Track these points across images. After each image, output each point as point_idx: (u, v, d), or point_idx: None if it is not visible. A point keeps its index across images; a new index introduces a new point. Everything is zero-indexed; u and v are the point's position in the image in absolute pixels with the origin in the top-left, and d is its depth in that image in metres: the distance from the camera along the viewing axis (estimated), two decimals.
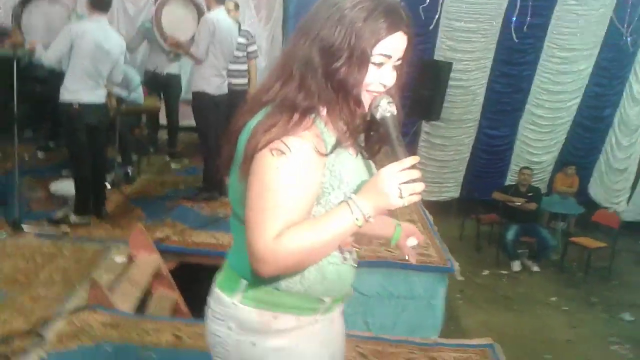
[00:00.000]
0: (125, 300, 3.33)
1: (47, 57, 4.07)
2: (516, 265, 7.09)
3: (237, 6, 5.74)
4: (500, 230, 7.51)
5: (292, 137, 1.18)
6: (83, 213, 4.33)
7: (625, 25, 7.42)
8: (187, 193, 5.26)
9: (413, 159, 1.19)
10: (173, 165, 6.32)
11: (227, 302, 1.34)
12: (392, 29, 1.21)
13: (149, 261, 3.82)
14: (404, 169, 1.18)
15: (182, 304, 3.91)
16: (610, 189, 8.74)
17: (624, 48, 7.85)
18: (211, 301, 1.39)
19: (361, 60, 1.20)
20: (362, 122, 1.34)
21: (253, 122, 1.24)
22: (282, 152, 1.16)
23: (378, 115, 1.27)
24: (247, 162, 1.20)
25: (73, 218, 4.30)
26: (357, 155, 1.34)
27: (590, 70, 8.26)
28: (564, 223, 8.14)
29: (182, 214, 4.74)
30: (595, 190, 8.84)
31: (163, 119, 6.70)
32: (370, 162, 1.39)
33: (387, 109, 1.26)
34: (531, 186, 7.54)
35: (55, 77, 4.29)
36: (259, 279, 1.25)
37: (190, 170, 6.20)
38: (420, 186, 1.18)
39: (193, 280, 4.31)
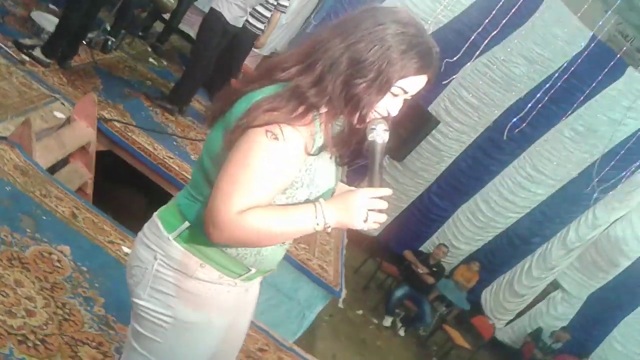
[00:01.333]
0: (44, 155, 3.27)
1: None
2: (387, 321, 7.35)
3: None
4: (393, 284, 7.78)
5: (290, 127, 1.22)
6: (49, 54, 4.21)
7: (596, 180, 7.79)
8: (150, 91, 5.17)
9: (386, 191, 1.29)
10: (151, 59, 6.20)
11: (162, 235, 1.39)
12: (421, 71, 1.29)
13: (84, 131, 3.75)
14: (375, 197, 1.27)
15: (90, 186, 3.87)
16: (499, 304, 9.18)
17: (583, 198, 8.24)
18: (147, 228, 1.44)
19: (383, 86, 1.27)
20: (353, 134, 1.38)
21: (257, 95, 1.27)
22: (276, 138, 1.21)
23: (370, 137, 1.33)
24: (239, 130, 1.24)
25: (37, 53, 4.16)
26: (331, 158, 1.40)
27: (544, 198, 8.62)
28: (446, 309, 8.48)
29: (136, 107, 4.67)
30: (487, 297, 9.26)
31: (167, 15, 6.57)
32: (339, 168, 1.47)
33: (381, 135, 1.33)
34: (439, 263, 7.83)
35: None
36: (201, 228, 1.30)
37: (164, 73, 6.11)
38: (383, 217, 1.28)
39: (111, 172, 4.29)
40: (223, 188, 1.23)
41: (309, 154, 1.28)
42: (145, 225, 1.45)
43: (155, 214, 1.45)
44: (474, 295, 8.93)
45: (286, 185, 1.29)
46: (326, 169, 1.36)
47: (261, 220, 1.22)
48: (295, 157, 1.25)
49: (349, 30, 1.26)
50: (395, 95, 1.31)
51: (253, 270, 1.43)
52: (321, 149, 1.31)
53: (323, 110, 1.30)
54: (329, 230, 1.28)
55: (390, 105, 1.33)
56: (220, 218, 1.22)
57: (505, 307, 9.16)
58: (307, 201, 1.31)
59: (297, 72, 1.27)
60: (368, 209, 1.27)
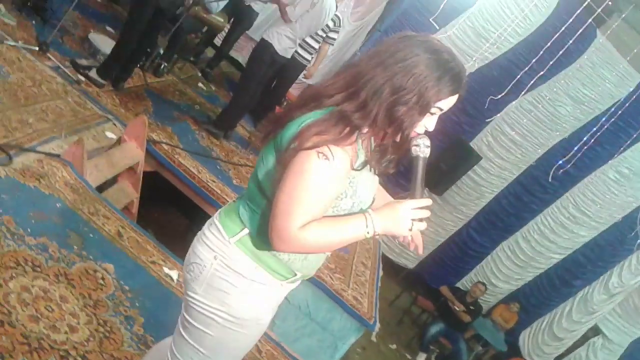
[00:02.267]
0: (94, 173, 3.38)
1: None
2: (422, 358, 7.21)
3: None
4: (428, 319, 7.64)
5: (337, 147, 1.35)
6: (104, 75, 4.37)
7: None
8: (198, 116, 5.30)
9: (427, 201, 1.44)
10: (200, 84, 6.36)
11: (224, 238, 1.53)
12: (454, 92, 1.42)
13: (133, 152, 3.86)
14: (418, 208, 1.42)
15: (135, 205, 3.97)
16: (538, 347, 8.91)
17: (628, 242, 8.04)
18: (207, 229, 1.59)
19: (423, 109, 1.40)
20: (395, 150, 1.52)
21: (306, 120, 1.39)
22: (327, 158, 1.34)
23: (414, 152, 1.47)
24: (292, 152, 1.37)
25: (93, 73, 4.33)
26: (371, 171, 1.53)
27: (587, 240, 8.42)
28: (482, 349, 8.29)
29: (184, 130, 4.79)
30: (525, 340, 9.01)
31: (218, 41, 6.75)
32: (377, 177, 1.58)
33: (424, 151, 1.47)
34: (477, 301, 7.67)
35: None
36: (259, 236, 1.49)
37: (213, 98, 6.26)
38: (424, 225, 1.44)
39: (156, 192, 4.38)
40: (284, 207, 1.37)
41: (353, 169, 1.42)
42: (206, 226, 1.60)
43: (216, 217, 1.60)
44: (512, 336, 8.70)
45: (336, 197, 1.43)
46: (368, 182, 1.50)
47: (320, 232, 1.38)
48: (343, 173, 1.39)
49: (388, 60, 1.38)
50: (433, 114, 1.45)
51: (298, 275, 1.58)
52: (364, 164, 1.45)
53: (364, 130, 1.41)
54: (377, 237, 1.47)
55: (428, 122, 1.47)
56: (284, 233, 1.37)
57: (544, 351, 8.89)
58: (350, 211, 1.46)
59: (342, 99, 1.40)
60: (412, 219, 1.42)
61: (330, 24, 5.69)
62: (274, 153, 1.45)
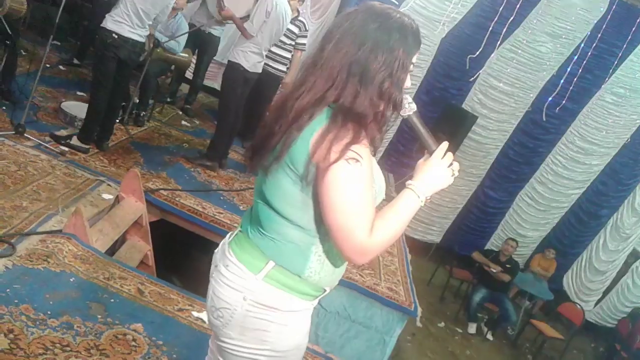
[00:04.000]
0: (100, 238, 3.35)
1: None
2: (472, 328, 7.15)
3: None
4: (469, 289, 7.57)
5: (358, 145, 1.34)
6: (86, 139, 4.34)
7: None
8: (189, 153, 5.27)
9: (446, 144, 1.47)
10: (183, 122, 6.34)
11: (248, 276, 1.47)
12: (419, 44, 1.46)
13: (134, 207, 3.83)
14: (445, 153, 1.45)
15: (151, 257, 3.93)
16: (583, 286, 8.83)
17: None
18: (226, 270, 1.51)
19: (404, 72, 1.42)
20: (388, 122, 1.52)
21: (312, 131, 1.35)
22: (357, 160, 1.33)
23: (404, 114, 1.48)
24: (321, 172, 1.34)
25: (75, 141, 4.31)
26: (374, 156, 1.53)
27: (601, 167, 8.38)
28: (530, 303, 8.20)
29: (178, 172, 4.75)
30: (569, 282, 8.93)
31: (189, 74, 6.73)
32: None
33: (410, 108, 1.48)
34: (511, 258, 7.59)
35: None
36: (285, 264, 1.45)
37: (198, 131, 6.23)
38: (457, 165, 1.46)
39: (168, 238, 4.35)
40: (345, 225, 1.34)
41: (373, 156, 1.45)
42: (223, 268, 1.52)
43: (229, 254, 1.52)
44: (555, 283, 8.62)
45: None
46: (377, 166, 1.50)
47: (386, 227, 1.36)
48: (371, 164, 1.40)
49: (354, 43, 1.38)
50: (410, 72, 1.47)
51: (328, 290, 1.55)
52: (374, 150, 1.46)
53: (369, 119, 1.40)
54: (429, 200, 1.44)
55: (408, 82, 1.48)
56: (361, 248, 1.34)
57: (590, 288, 8.80)
58: (374, 198, 1.42)
59: (335, 96, 1.37)
60: (448, 166, 1.44)
61: (296, 30, 5.66)
62: (289, 176, 1.40)
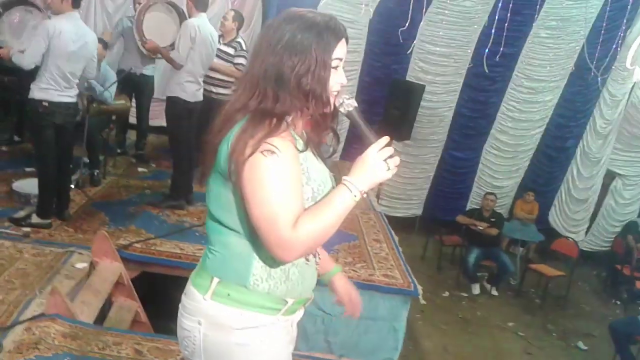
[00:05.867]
0: (85, 310, 3.25)
1: (28, 61, 3.93)
2: (476, 288, 7.20)
3: (236, 17, 5.71)
4: (462, 252, 7.62)
5: (275, 138, 1.33)
6: (45, 214, 4.21)
7: (595, 62, 7.65)
8: (153, 199, 5.17)
9: (385, 139, 1.43)
10: (140, 169, 6.22)
11: (198, 298, 1.45)
12: (339, 38, 1.43)
13: (110, 269, 3.73)
14: (382, 148, 1.41)
15: (142, 314, 3.83)
16: (570, 219, 8.97)
17: (591, 83, 8.10)
18: (184, 297, 1.50)
19: (324, 68, 1.40)
20: (324, 122, 1.51)
21: (232, 134, 1.36)
22: (272, 152, 1.31)
23: (343, 110, 1.47)
24: (239, 168, 1.33)
25: (35, 219, 4.18)
26: (316, 157, 1.51)
27: (555, 101, 8.51)
28: (524, 249, 8.30)
29: (147, 220, 4.66)
30: (555, 219, 9.07)
31: (133, 119, 6.61)
32: (326, 167, 1.54)
33: (350, 104, 1.47)
34: (494, 211, 7.67)
35: (24, 70, 4.15)
36: (228, 275, 1.42)
37: (157, 174, 6.11)
38: (397, 160, 1.42)
39: (154, 289, 4.25)
40: (266, 217, 1.32)
41: (301, 151, 1.41)
42: (183, 297, 1.51)
43: (189, 283, 1.52)
44: (542, 223, 8.75)
45: (301, 182, 1.40)
46: (317, 165, 1.48)
47: (313, 221, 1.33)
48: (294, 157, 1.37)
49: (269, 49, 1.39)
50: (336, 68, 1.44)
51: (290, 301, 1.48)
52: (306, 145, 1.45)
53: (289, 119, 1.42)
54: (365, 195, 1.39)
55: (338, 78, 1.45)
56: (283, 242, 1.31)
57: (576, 219, 8.96)
58: (313, 197, 1.41)
59: (256, 103, 1.38)
60: (384, 159, 1.40)
61: (232, 51, 5.59)
62: (221, 181, 1.41)
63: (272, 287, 1.44)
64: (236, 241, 1.43)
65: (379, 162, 1.40)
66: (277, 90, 1.37)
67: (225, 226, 1.43)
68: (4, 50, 4.19)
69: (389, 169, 1.41)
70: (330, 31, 1.41)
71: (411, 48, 7.81)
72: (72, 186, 4.86)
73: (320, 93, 1.40)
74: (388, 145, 1.42)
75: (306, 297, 1.54)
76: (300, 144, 1.42)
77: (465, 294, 7.11)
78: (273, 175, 1.31)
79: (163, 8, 5.87)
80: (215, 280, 1.43)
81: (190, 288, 1.49)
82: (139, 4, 5.94)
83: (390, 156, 1.41)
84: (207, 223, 1.50)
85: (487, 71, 7.91)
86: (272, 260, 1.41)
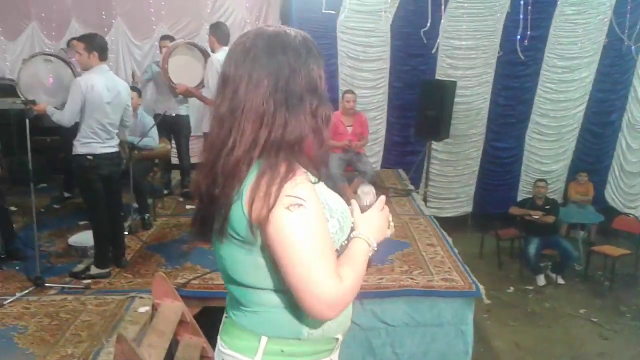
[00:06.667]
0: (153, 352, 3.28)
1: (67, 119, 4.09)
2: (541, 280, 6.99)
3: None
4: (521, 244, 7.43)
5: (297, 185, 1.21)
6: (103, 264, 4.32)
7: (626, 31, 7.44)
8: None
9: (383, 198, 1.50)
10: (187, 206, 6.33)
11: None
12: (321, 54, 1.36)
13: (172, 308, 3.78)
14: (381, 208, 1.47)
15: (209, 349, 3.86)
16: (626, 194, 8.66)
17: (625, 53, 7.89)
18: None
19: (323, 81, 1.33)
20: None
21: (244, 189, 1.23)
22: (299, 205, 1.20)
23: (368, 203, 1.50)
24: (267, 227, 1.21)
25: (94, 270, 4.29)
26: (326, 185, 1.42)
27: (592, 77, 8.33)
28: (584, 232, 8.05)
29: (201, 256, 4.71)
30: (612, 196, 8.77)
31: (175, 160, 6.76)
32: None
33: (372, 200, 1.51)
34: (547, 198, 7.48)
35: (65, 127, 4.30)
36: (278, 333, 1.33)
37: None
38: (390, 218, 1.50)
39: (217, 323, 4.28)
40: (306, 276, 1.21)
41: (315, 184, 1.30)
42: None
43: (225, 347, 1.41)
44: (599, 203, 8.49)
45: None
46: (330, 193, 1.39)
47: (349, 273, 1.28)
48: (318, 200, 1.27)
49: (275, 68, 1.27)
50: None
51: (340, 337, 1.45)
52: (318, 176, 1.34)
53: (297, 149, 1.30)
54: (374, 252, 1.40)
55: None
56: (331, 297, 1.22)
57: (633, 193, 8.63)
58: (341, 228, 1.35)
59: (268, 132, 1.24)
60: (387, 219, 1.47)
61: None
62: (241, 247, 1.28)
63: (325, 330, 1.37)
64: (277, 298, 1.32)
65: (384, 221, 1.46)
66: (287, 114, 1.26)
67: (261, 288, 1.32)
68: (40, 105, 4.32)
69: (389, 227, 1.48)
70: (315, 46, 1.35)
71: (435, 46, 7.77)
72: (126, 233, 4.98)
73: (325, 110, 1.32)
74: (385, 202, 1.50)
75: (348, 324, 1.48)
76: (310, 177, 1.30)
77: (530, 287, 6.91)
78: (307, 230, 1.21)
79: (185, 50, 6.01)
80: (264, 339, 1.34)
81: (230, 353, 1.39)
82: (165, 47, 6.09)
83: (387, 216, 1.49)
84: (232, 288, 1.38)
85: (522, 57, 7.81)
86: None
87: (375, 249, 1.39)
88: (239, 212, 1.23)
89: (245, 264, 1.30)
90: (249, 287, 1.34)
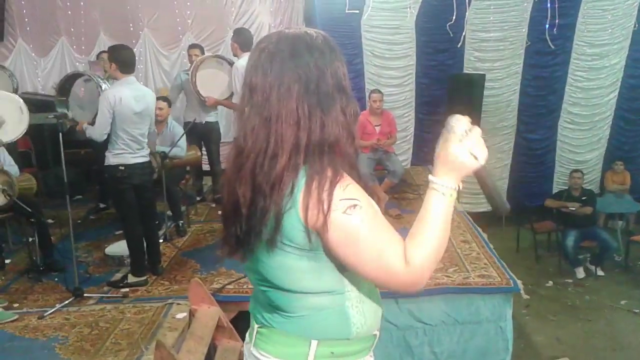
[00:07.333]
0: (191, 358, 3.31)
1: (98, 133, 4.15)
2: (580, 272, 6.86)
3: None
4: (559, 237, 7.29)
5: (342, 189, 1.21)
6: (140, 272, 4.38)
7: None
8: None
9: (466, 119, 1.30)
10: (220, 212, 6.36)
11: None
12: (344, 57, 1.35)
13: (209, 314, 3.81)
14: (464, 134, 1.28)
15: None
16: None
17: None
18: None
19: (346, 78, 1.32)
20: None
21: (297, 196, 1.22)
22: (354, 205, 1.21)
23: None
24: (323, 234, 1.22)
25: (131, 278, 4.35)
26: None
27: (623, 63, 8.19)
28: (623, 222, 7.87)
29: (234, 260, 4.57)
30: None
31: (206, 166, 6.82)
32: None
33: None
34: (584, 189, 7.33)
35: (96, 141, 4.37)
36: (328, 335, 1.33)
37: None
38: (485, 148, 1.28)
39: None
40: (378, 269, 1.23)
41: None
42: None
43: (268, 356, 1.38)
44: (637, 191, 8.26)
45: None
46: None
47: (423, 245, 1.23)
48: (366, 194, 1.27)
49: (304, 71, 1.26)
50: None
51: (377, 333, 1.45)
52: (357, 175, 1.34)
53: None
54: (461, 187, 1.29)
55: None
56: (406, 281, 1.23)
57: None
58: None
59: (307, 134, 1.24)
60: (469, 151, 1.27)
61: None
62: (292, 254, 1.26)
63: (369, 326, 1.38)
64: (325, 300, 1.32)
65: (465, 155, 1.26)
66: (323, 115, 1.25)
67: (308, 293, 1.32)
68: (80, 124, 4.44)
69: (477, 159, 1.27)
70: (334, 43, 1.34)
71: (461, 40, 7.68)
72: (161, 240, 5.04)
73: (354, 107, 1.31)
74: (472, 126, 1.29)
75: (380, 317, 1.47)
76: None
77: (569, 280, 6.78)
78: (365, 230, 1.21)
79: (212, 63, 6.06)
80: (314, 343, 1.33)
81: None
82: (195, 55, 6.16)
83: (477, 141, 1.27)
84: (274, 294, 1.35)
85: (552, 47, 7.69)
86: (363, 301, 1.36)
87: (456, 189, 1.28)
88: (294, 220, 1.22)
89: (297, 271, 1.29)
90: (298, 293, 1.32)
